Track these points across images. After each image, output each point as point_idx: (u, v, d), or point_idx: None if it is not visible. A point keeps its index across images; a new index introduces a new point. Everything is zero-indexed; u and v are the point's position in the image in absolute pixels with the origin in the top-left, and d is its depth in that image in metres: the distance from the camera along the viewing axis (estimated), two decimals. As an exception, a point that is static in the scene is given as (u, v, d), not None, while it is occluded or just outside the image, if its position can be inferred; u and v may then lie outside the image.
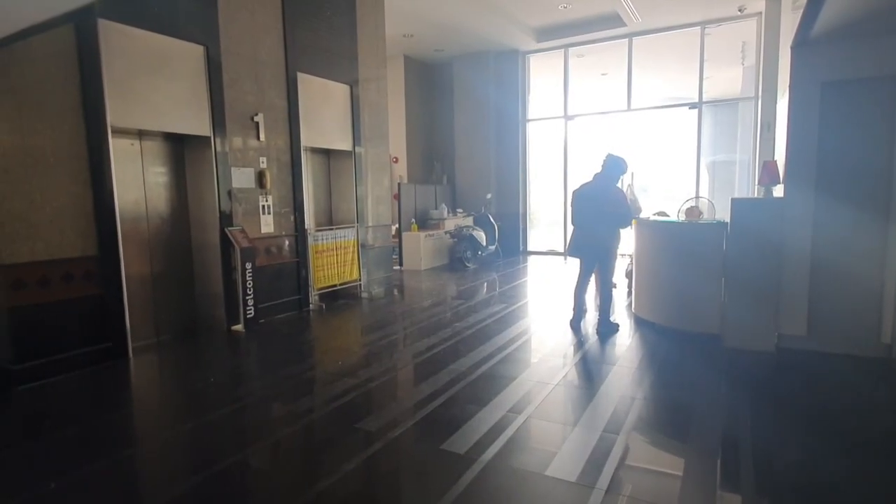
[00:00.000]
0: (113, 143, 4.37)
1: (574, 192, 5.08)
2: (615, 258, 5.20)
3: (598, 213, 4.87)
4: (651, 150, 11.45)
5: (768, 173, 4.69)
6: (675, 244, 5.04)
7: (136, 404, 3.83)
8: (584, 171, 6.44)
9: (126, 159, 4.80)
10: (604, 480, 2.49)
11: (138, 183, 4.98)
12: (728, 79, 10.94)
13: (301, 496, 2.48)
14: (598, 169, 4.99)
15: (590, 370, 4.14)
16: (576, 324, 5.24)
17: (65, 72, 4.07)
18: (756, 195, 7.38)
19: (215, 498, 2.48)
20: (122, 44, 4.41)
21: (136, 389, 4.09)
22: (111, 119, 4.34)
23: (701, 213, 5.26)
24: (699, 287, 4.80)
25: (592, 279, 5.28)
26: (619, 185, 5.07)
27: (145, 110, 4.67)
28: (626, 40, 9.65)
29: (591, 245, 5.00)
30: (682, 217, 5.28)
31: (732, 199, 4.63)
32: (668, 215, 6.07)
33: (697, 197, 6.72)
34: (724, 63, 10.47)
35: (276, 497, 2.52)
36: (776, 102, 8.03)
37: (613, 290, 5.61)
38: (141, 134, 4.94)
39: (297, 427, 3.25)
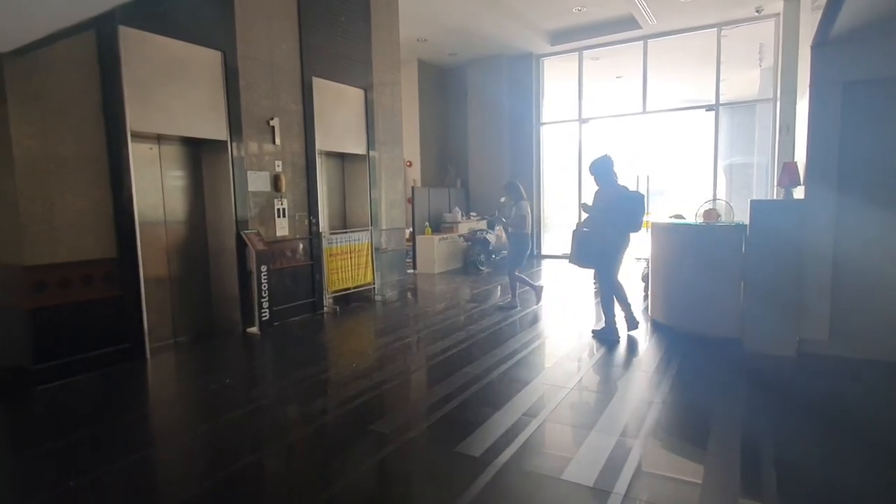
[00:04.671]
0: (132, 147, 4.44)
1: (603, 198, 4.90)
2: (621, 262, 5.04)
3: (619, 217, 4.77)
4: (667, 153, 11.35)
5: (788, 175, 4.61)
6: (693, 247, 4.97)
7: (154, 405, 3.86)
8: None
9: (145, 163, 4.87)
10: (621, 485, 2.44)
11: (157, 187, 5.05)
12: (745, 80, 10.80)
13: (316, 497, 2.48)
14: (595, 183, 4.95)
15: (606, 374, 4.09)
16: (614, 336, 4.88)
17: (86, 78, 4.15)
18: (775, 197, 7.27)
19: (231, 499, 2.49)
20: (141, 50, 4.49)
21: (153, 390, 4.14)
22: (131, 124, 4.41)
23: (719, 215, 5.18)
24: (717, 290, 4.72)
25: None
26: (618, 181, 4.91)
27: (164, 115, 4.74)
28: (642, 43, 9.59)
29: (600, 251, 4.87)
30: (700, 219, 5.20)
31: (752, 201, 4.55)
32: (684, 218, 5.99)
33: (715, 199, 6.64)
34: (742, 65, 10.34)
35: (292, 498, 2.52)
36: (796, 104, 7.90)
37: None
38: (159, 138, 5.01)
39: (312, 428, 3.25)
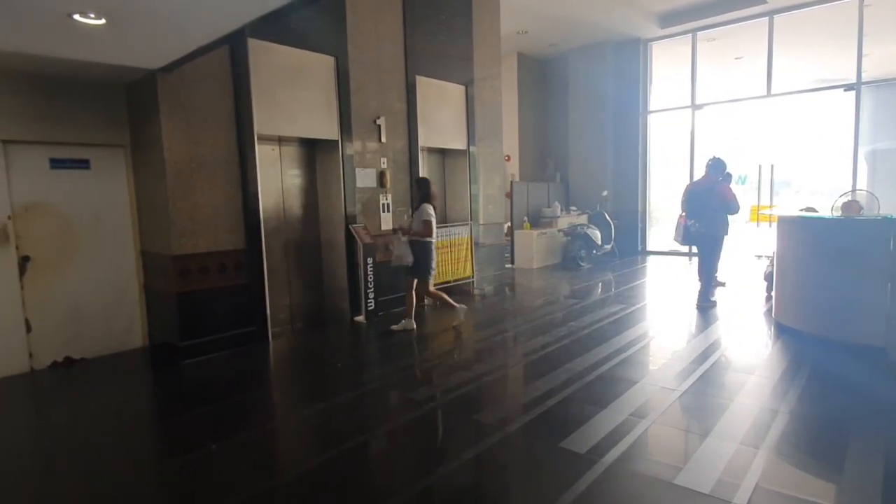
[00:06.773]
0: (258, 149, 4.89)
1: (686, 190, 6.18)
2: (721, 246, 5.97)
3: (705, 207, 5.80)
4: (795, 140, 10.25)
5: (953, 160, 3.97)
6: (829, 243, 4.46)
7: (276, 383, 4.26)
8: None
9: (268, 163, 5.33)
10: (742, 496, 2.28)
11: (277, 185, 5.51)
12: (893, 54, 9.41)
13: (423, 479, 2.59)
14: (704, 172, 6.00)
15: (722, 378, 3.81)
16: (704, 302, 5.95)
17: (221, 87, 4.63)
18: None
19: (344, 474, 2.67)
20: (265, 59, 4.91)
21: (275, 370, 4.55)
22: (257, 127, 4.85)
23: (861, 207, 4.60)
24: (858, 292, 4.20)
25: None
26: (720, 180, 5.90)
27: (284, 118, 5.15)
28: (766, 19, 8.71)
29: (701, 234, 5.92)
30: (838, 213, 4.66)
31: (904, 191, 3.99)
32: (816, 211, 5.39)
33: (855, 190, 5.91)
34: (889, 37, 9.02)
35: (400, 478, 2.65)
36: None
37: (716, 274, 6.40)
38: (280, 140, 5.46)
39: (417, 414, 3.39)
